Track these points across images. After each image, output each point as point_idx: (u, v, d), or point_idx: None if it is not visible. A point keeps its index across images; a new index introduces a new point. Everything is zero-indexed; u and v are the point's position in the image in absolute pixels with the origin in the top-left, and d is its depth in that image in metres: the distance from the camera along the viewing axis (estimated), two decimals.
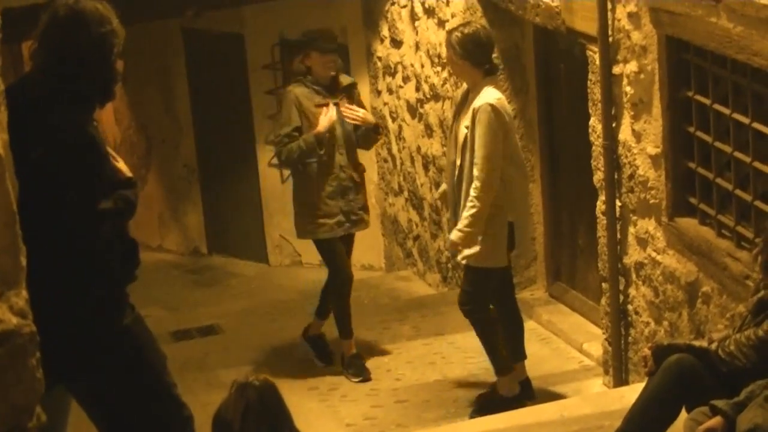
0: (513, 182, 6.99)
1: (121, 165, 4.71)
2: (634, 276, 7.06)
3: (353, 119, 7.78)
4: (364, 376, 7.97)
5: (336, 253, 7.97)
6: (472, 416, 7.16)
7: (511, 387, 7.25)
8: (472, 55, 6.88)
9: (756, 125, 5.81)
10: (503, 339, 7.28)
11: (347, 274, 8.00)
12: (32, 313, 3.09)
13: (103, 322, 4.54)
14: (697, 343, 5.19)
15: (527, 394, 7.31)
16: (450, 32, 7.14)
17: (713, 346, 5.11)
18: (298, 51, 8.00)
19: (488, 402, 7.24)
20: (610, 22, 6.81)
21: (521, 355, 7.37)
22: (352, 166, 7.91)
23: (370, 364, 8.14)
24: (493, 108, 6.76)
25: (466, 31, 6.97)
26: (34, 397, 3.00)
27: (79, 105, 4.48)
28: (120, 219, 4.62)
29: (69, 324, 4.43)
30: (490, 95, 6.83)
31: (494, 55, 7.22)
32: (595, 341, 7.92)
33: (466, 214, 6.79)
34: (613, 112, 6.96)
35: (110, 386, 4.63)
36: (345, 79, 7.99)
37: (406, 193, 10.55)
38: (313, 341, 8.36)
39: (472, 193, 6.76)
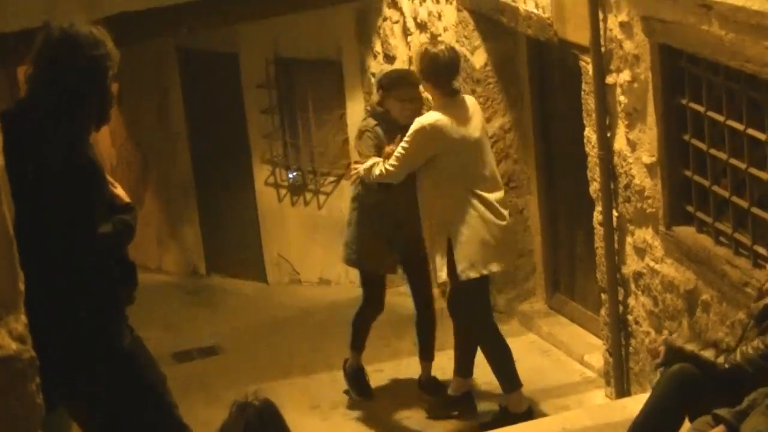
0: (461, 205, 7.01)
1: (119, 191, 4.71)
2: (632, 286, 7.06)
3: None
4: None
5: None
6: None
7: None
8: (430, 76, 7.10)
9: (751, 131, 5.82)
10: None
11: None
12: (31, 336, 3.09)
13: (102, 345, 4.54)
14: (704, 352, 5.17)
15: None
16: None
17: (720, 359, 5.09)
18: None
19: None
20: (602, 32, 6.82)
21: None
22: None
23: (373, 380, 8.12)
24: (421, 125, 6.97)
25: (429, 51, 7.11)
26: (35, 422, 2.99)
27: (74, 128, 4.48)
28: (119, 243, 4.62)
29: (68, 346, 4.43)
30: (429, 115, 7.04)
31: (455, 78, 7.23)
32: (595, 352, 7.91)
33: (369, 164, 7.14)
34: (607, 121, 6.96)
35: (110, 408, 4.62)
36: None
37: None
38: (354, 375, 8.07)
39: (384, 165, 7.08)
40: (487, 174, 7.15)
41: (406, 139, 7.03)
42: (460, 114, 7.08)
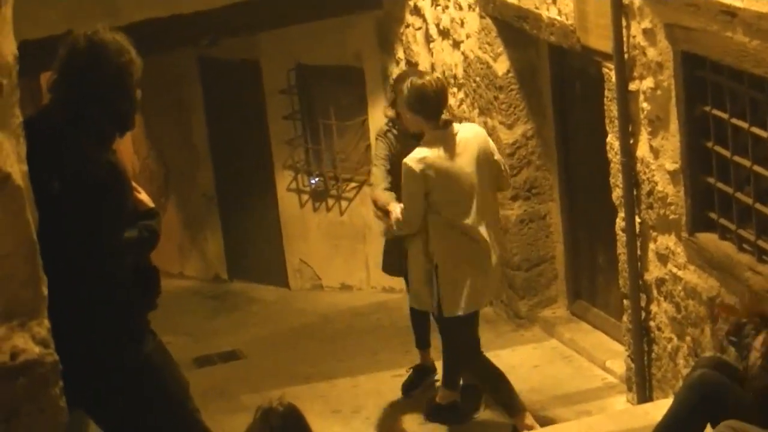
0: (447, 242, 6.88)
1: (143, 196, 4.73)
2: (655, 292, 7.04)
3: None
4: None
5: None
6: None
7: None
8: (418, 109, 6.84)
9: None
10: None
11: None
12: (54, 342, 3.10)
13: (125, 350, 4.55)
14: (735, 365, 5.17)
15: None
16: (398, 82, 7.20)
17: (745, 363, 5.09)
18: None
19: None
20: (625, 39, 6.81)
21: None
22: None
23: (393, 385, 8.12)
24: (408, 167, 6.76)
25: (416, 82, 6.85)
26: (58, 425, 3.01)
27: (100, 135, 4.50)
28: (144, 248, 4.64)
29: (91, 352, 4.44)
30: (416, 152, 6.80)
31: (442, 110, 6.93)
32: (617, 358, 7.89)
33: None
34: (630, 128, 6.95)
35: (133, 413, 4.63)
36: None
37: None
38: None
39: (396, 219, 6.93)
40: (478, 208, 6.87)
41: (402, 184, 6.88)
42: (449, 147, 6.81)
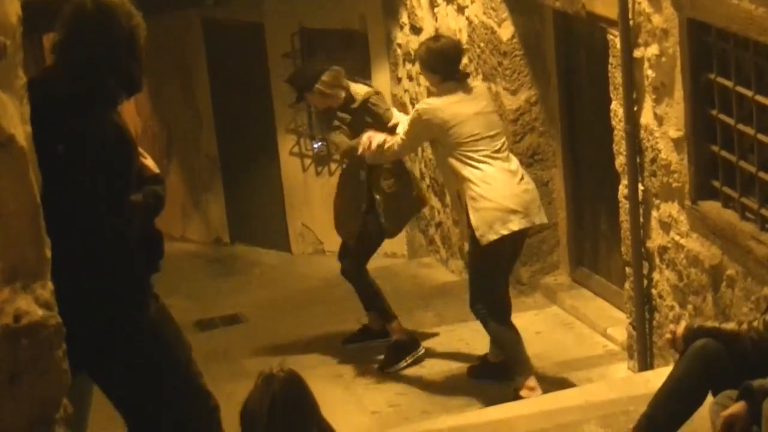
0: (472, 173, 7.15)
1: (149, 162, 4.72)
2: (657, 260, 7.04)
3: None
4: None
5: None
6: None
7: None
8: (426, 66, 7.41)
9: None
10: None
11: None
12: (57, 304, 3.10)
13: (128, 313, 4.56)
14: (726, 326, 5.15)
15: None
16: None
17: (743, 327, 5.08)
18: None
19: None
20: (630, 5, 6.79)
21: None
22: None
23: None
24: (419, 111, 7.33)
25: (431, 45, 7.39)
26: (61, 388, 3.01)
27: (107, 98, 4.49)
28: (149, 214, 4.64)
29: (94, 315, 4.44)
30: (426, 101, 7.52)
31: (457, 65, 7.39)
32: (619, 326, 7.90)
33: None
34: (634, 96, 6.94)
35: (136, 376, 4.64)
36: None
37: (427, 180, 10.53)
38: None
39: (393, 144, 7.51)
40: (498, 146, 7.23)
41: (408, 123, 7.41)
42: (457, 94, 7.25)
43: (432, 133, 7.26)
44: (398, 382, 7.83)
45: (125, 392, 4.70)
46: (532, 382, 7.19)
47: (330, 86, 7.93)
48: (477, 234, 7.07)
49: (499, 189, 7.10)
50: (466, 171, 7.12)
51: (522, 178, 7.27)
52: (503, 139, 7.31)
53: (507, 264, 7.44)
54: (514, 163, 7.33)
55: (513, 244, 7.27)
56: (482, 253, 7.16)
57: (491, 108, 7.40)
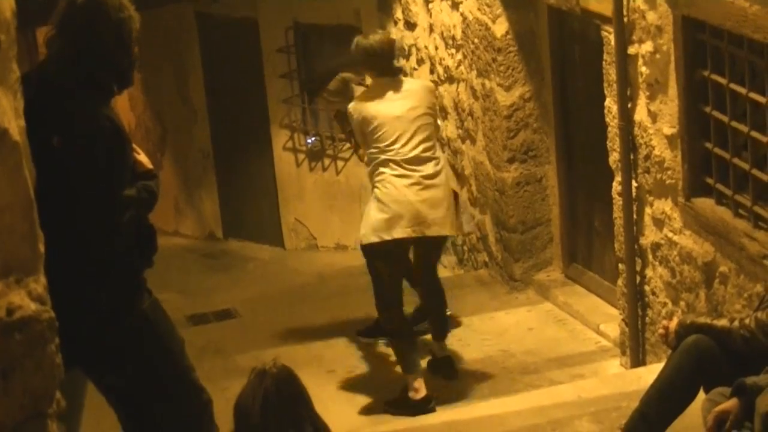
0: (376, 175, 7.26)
1: (143, 157, 4.72)
2: (650, 257, 7.05)
3: None
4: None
5: None
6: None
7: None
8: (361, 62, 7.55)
9: None
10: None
11: None
12: (50, 299, 3.09)
13: (121, 308, 4.55)
14: (718, 322, 5.15)
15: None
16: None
17: (735, 324, 5.08)
18: None
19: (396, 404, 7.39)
20: (624, 2, 6.79)
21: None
22: None
23: (385, 348, 8.15)
24: (349, 107, 7.47)
25: (360, 42, 7.51)
26: (54, 383, 3.00)
27: (99, 92, 4.49)
28: (142, 209, 4.63)
29: (87, 309, 4.44)
30: (356, 96, 7.61)
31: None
32: (611, 322, 7.91)
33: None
34: (628, 92, 6.94)
35: (129, 371, 4.64)
36: None
37: None
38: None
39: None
40: (410, 151, 7.20)
41: None
42: (385, 93, 7.31)
43: (359, 129, 7.37)
44: (391, 378, 7.83)
45: (118, 387, 4.70)
46: (419, 383, 7.26)
47: (334, 95, 8.17)
48: (360, 233, 7.25)
49: (393, 195, 7.13)
50: (373, 169, 7.26)
51: (427, 188, 7.20)
52: (429, 144, 7.27)
53: (398, 268, 7.42)
54: (431, 169, 7.24)
55: (400, 250, 7.32)
56: (364, 253, 7.34)
57: (422, 110, 7.31)
